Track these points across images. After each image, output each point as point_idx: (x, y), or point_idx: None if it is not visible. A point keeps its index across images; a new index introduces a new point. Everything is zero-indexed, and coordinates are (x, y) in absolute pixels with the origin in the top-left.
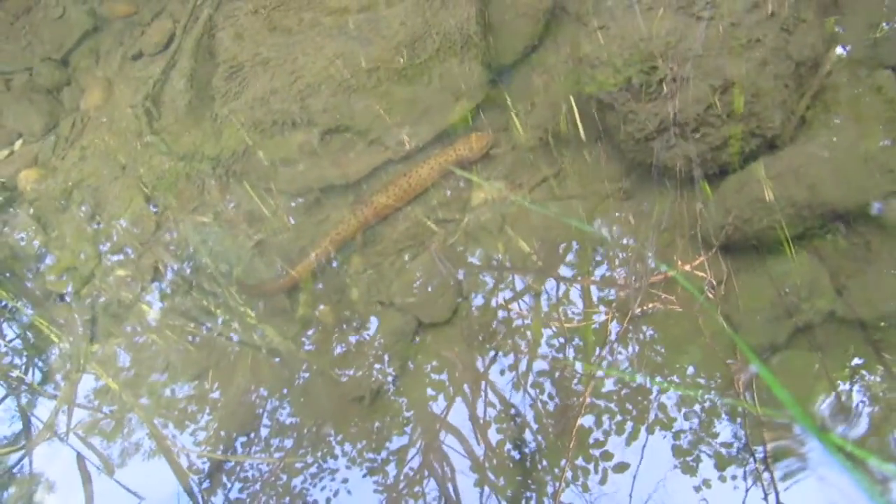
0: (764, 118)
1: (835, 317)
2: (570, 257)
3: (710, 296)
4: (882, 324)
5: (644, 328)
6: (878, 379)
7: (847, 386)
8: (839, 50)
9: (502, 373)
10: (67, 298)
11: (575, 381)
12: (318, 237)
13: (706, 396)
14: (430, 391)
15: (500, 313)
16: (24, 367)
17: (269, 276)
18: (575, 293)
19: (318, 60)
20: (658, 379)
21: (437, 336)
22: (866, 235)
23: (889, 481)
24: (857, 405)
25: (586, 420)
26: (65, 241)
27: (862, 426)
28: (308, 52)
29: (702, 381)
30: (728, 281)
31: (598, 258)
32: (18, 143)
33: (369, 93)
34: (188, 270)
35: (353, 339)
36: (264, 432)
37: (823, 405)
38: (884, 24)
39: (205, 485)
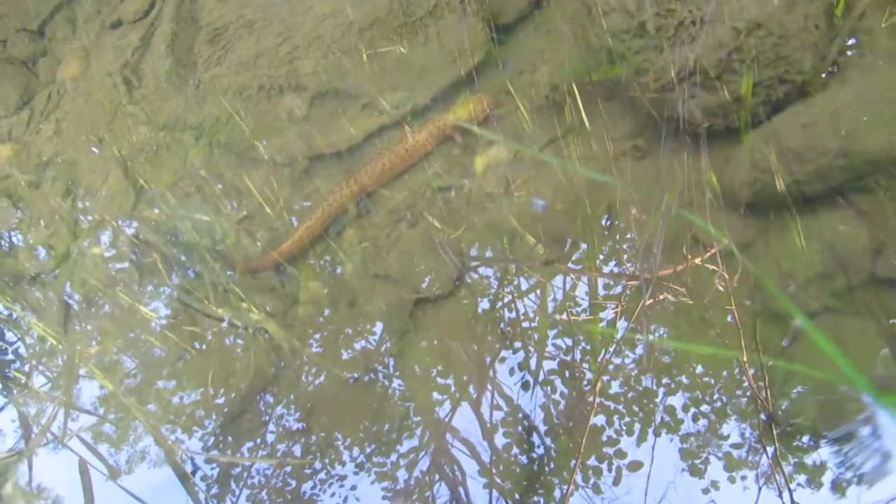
0: (793, 62)
1: (874, 278)
2: (580, 240)
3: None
4: None
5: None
6: None
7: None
8: None
9: (511, 372)
10: (46, 278)
11: (585, 380)
12: (308, 209)
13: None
14: (428, 380)
15: (504, 308)
16: (25, 367)
17: (257, 251)
18: (583, 286)
19: (306, 21)
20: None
21: (437, 312)
22: None
23: None
24: None
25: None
26: (38, 218)
27: None
28: (296, 13)
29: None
30: (756, 243)
31: (609, 241)
32: None
33: (362, 54)
34: (171, 248)
35: (348, 316)
36: (270, 438)
37: (874, 369)
38: None
39: (213, 490)
